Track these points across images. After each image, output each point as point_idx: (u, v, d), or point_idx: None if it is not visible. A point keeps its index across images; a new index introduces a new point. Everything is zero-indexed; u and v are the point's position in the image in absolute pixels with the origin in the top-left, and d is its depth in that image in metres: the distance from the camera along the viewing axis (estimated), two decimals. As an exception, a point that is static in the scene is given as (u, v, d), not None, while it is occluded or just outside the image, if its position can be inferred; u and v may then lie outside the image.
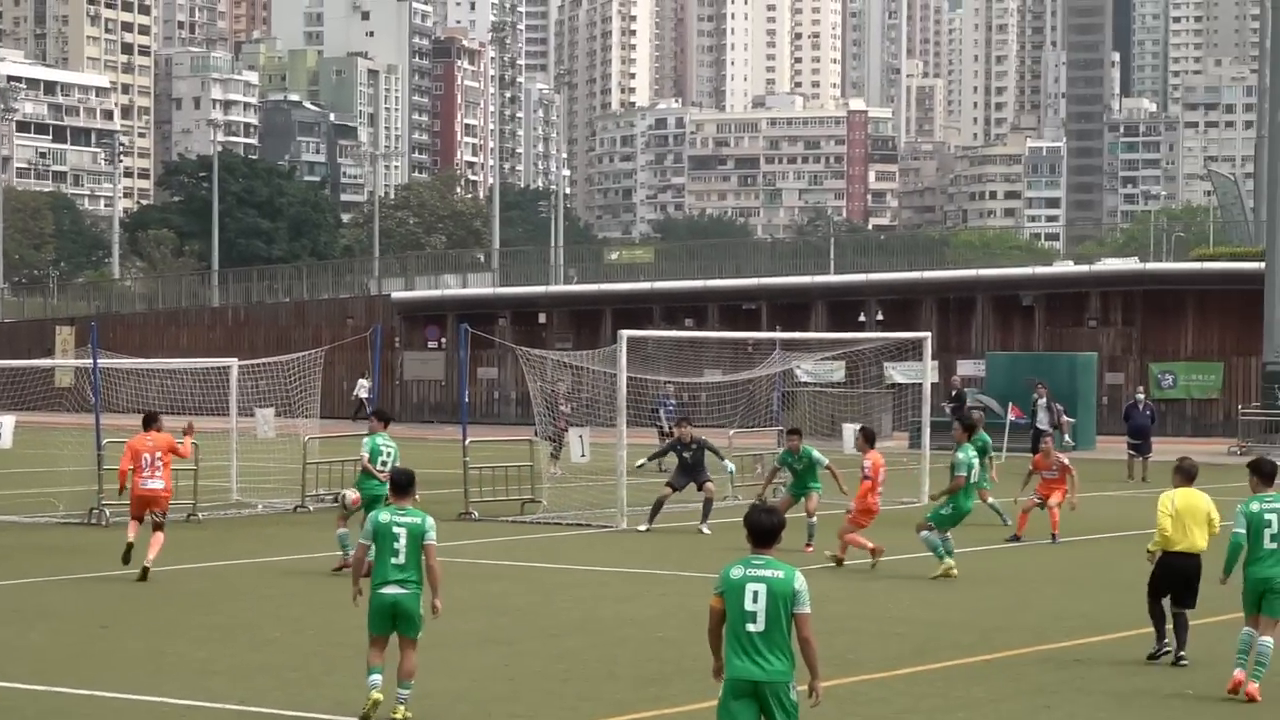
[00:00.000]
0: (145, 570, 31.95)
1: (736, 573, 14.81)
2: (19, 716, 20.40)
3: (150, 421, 34.78)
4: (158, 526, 32.85)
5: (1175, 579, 23.59)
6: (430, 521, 20.14)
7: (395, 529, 19.90)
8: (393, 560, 19.84)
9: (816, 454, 38.71)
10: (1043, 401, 62.07)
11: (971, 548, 36.08)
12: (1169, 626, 23.73)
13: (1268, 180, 77.59)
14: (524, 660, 24.08)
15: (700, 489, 41.56)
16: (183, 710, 20.64)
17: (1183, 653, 23.64)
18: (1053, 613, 28.85)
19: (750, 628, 14.60)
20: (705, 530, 40.76)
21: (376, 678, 19.73)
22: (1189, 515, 23.26)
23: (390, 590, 19.78)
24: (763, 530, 15.15)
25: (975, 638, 26.29)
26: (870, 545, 34.05)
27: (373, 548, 19.92)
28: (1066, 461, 40.40)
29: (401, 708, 19.63)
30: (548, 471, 50.84)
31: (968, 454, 34.38)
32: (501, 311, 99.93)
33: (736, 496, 46.96)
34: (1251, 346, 78.18)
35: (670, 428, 59.93)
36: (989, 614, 28.93)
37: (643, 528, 41.10)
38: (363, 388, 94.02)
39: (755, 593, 14.63)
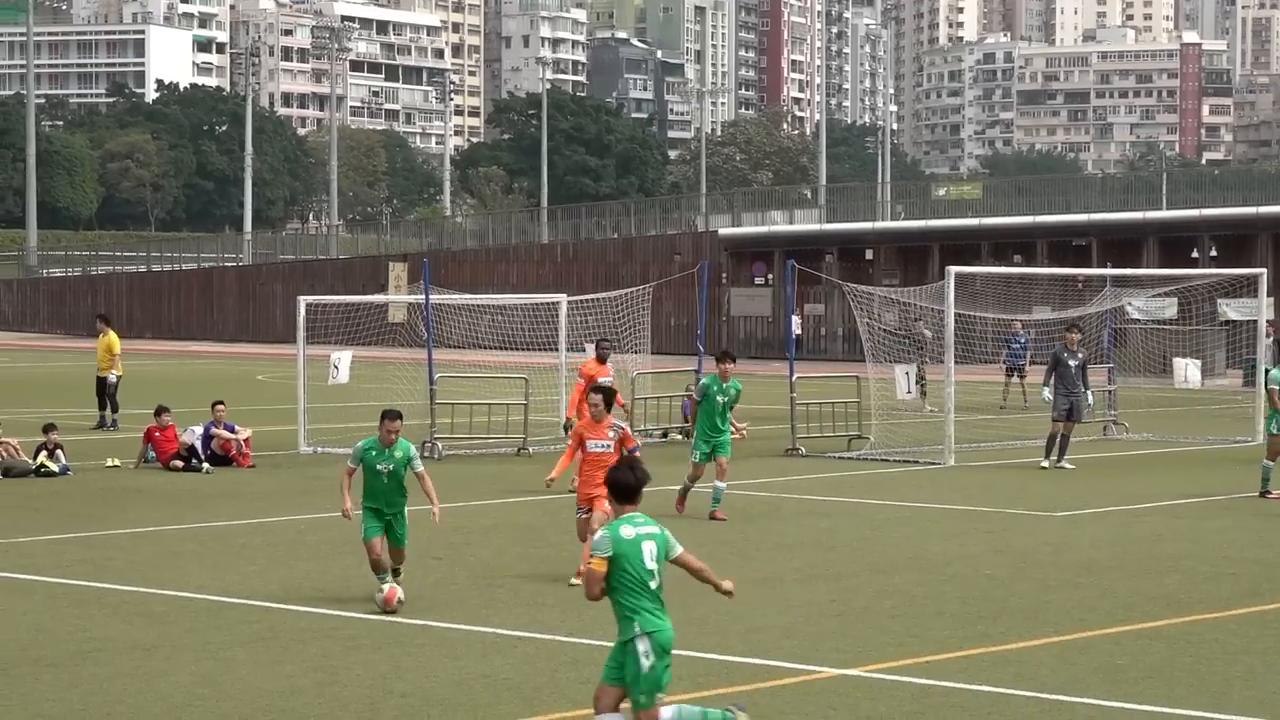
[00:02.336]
0: None
1: (627, 532, 14.56)
2: (358, 644, 20.71)
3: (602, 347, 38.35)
4: None
5: None
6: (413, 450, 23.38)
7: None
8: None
9: None
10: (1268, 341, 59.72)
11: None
12: None
13: None
14: (852, 596, 24.07)
15: (1066, 421, 41.38)
16: (514, 641, 20.87)
17: None
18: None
19: (653, 585, 14.46)
20: (1067, 465, 40.53)
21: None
22: None
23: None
24: (628, 487, 14.92)
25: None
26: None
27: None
28: None
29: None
30: (921, 408, 51.10)
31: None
32: (828, 248, 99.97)
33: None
34: None
35: (1019, 365, 60.16)
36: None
37: (1045, 463, 41.03)
38: (796, 325, 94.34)
39: (651, 551, 14.46)
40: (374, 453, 22.80)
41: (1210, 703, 17.80)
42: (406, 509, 23.24)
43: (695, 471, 32.30)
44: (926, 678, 18.85)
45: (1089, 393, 43.25)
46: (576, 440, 23.25)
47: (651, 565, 14.36)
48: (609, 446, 22.59)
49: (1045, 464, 40.90)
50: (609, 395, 23.62)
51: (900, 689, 18.39)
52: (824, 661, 19.65)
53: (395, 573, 23.10)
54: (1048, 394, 42.38)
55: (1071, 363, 41.76)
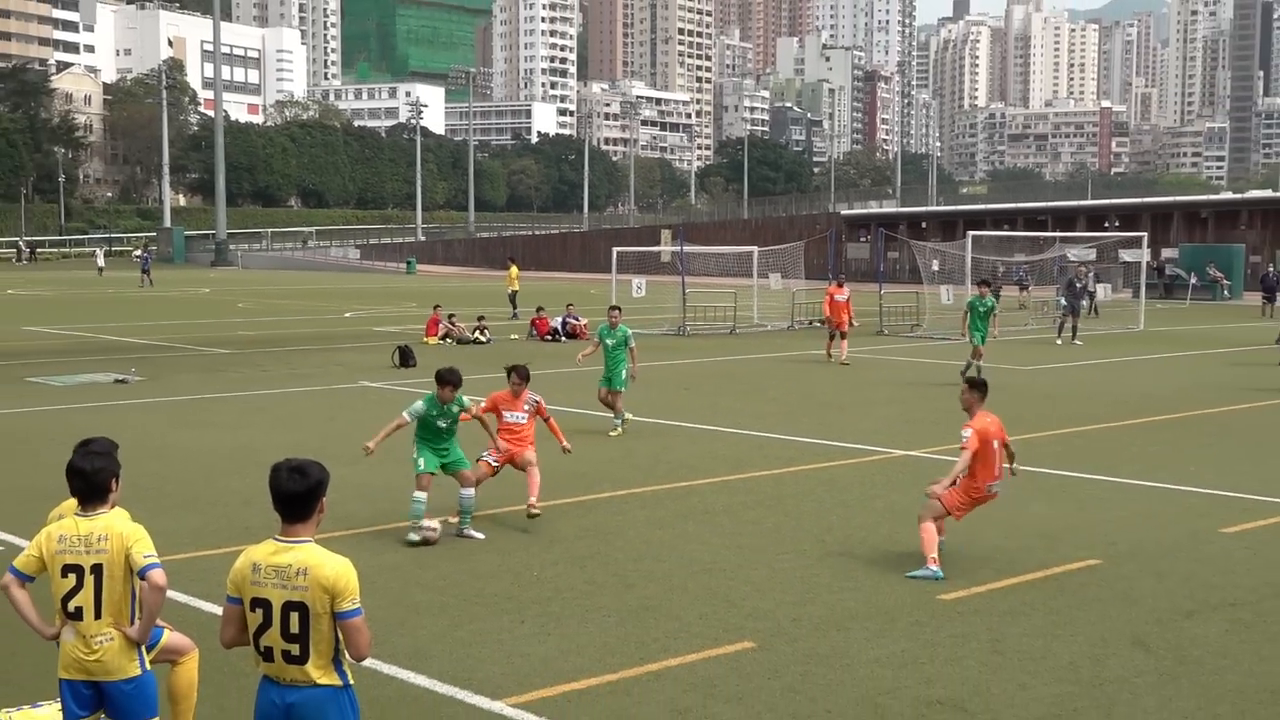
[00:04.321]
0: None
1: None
2: (640, 432, 20.82)
3: (840, 279, 35.31)
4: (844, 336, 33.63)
5: None
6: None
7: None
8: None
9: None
10: (1092, 275, 52.30)
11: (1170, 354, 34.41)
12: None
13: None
14: (912, 410, 23.64)
15: (1072, 316, 40.49)
16: (728, 434, 20.89)
17: None
18: (1215, 383, 27.55)
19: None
20: (1079, 343, 39.59)
21: None
22: None
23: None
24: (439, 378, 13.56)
25: (1167, 404, 25.22)
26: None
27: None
28: None
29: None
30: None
31: None
32: (901, 221, 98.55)
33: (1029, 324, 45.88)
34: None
35: (1025, 285, 60.06)
36: (1181, 389, 27.69)
37: (1058, 341, 39.78)
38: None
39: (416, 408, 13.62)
40: (605, 331, 21.75)
41: (1110, 470, 17.51)
42: (624, 370, 21.29)
43: (977, 351, 29.13)
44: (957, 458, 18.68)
45: (1092, 299, 43.35)
46: (491, 406, 14.91)
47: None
48: (523, 418, 14.82)
49: (1059, 341, 39.94)
50: (524, 374, 15.24)
51: (944, 463, 18.23)
52: (895, 446, 19.53)
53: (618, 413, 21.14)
54: (1062, 300, 41.75)
55: (1078, 285, 41.89)
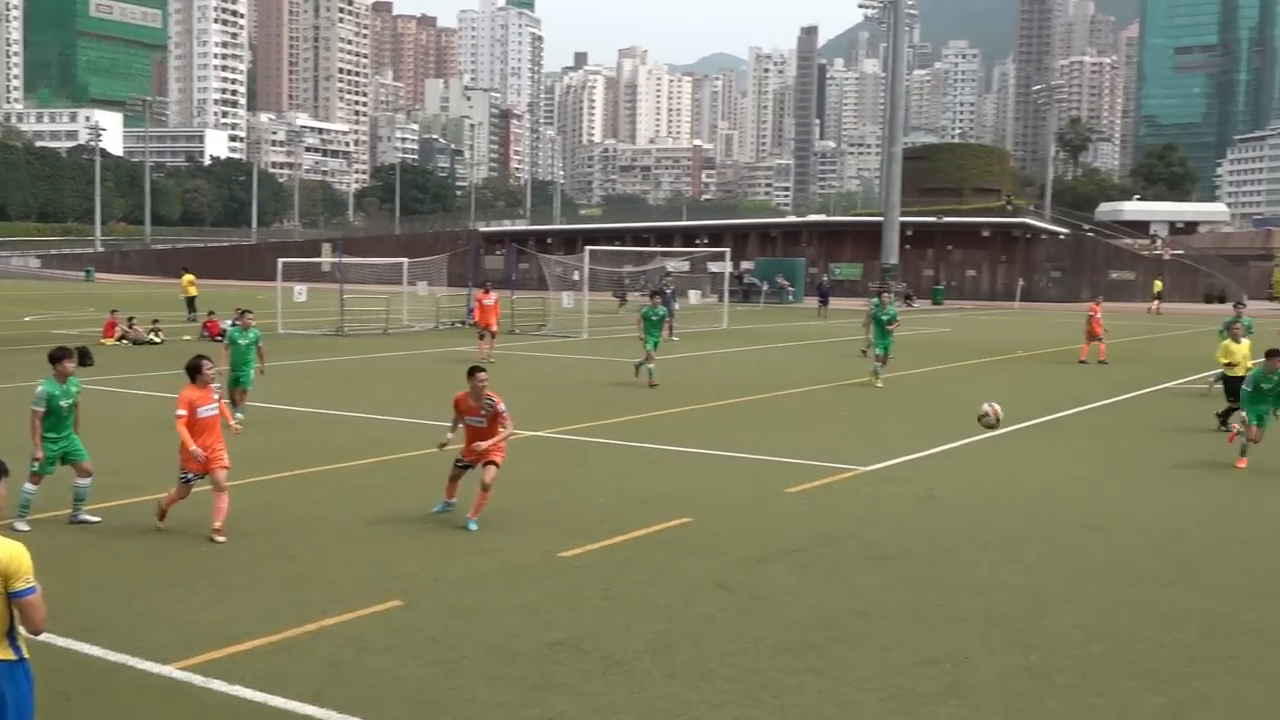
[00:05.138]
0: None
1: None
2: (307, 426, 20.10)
3: (487, 286, 34.67)
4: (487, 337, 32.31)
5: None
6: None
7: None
8: None
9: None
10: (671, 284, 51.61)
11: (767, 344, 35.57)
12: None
13: (886, 177, 77.45)
14: (562, 390, 23.81)
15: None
16: (392, 423, 20.32)
17: None
18: (782, 371, 28.75)
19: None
20: (675, 339, 40.06)
21: None
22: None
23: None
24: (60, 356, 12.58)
25: (744, 389, 26.16)
26: None
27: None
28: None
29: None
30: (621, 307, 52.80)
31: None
32: (530, 237, 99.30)
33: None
34: (874, 256, 78.66)
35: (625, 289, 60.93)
36: (755, 376, 28.80)
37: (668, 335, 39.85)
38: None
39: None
40: (237, 333, 20.44)
41: (698, 444, 17.87)
42: (253, 369, 20.32)
43: (649, 356, 26.53)
44: (627, 442, 18.71)
45: (676, 305, 44.48)
46: (187, 405, 11.98)
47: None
48: (214, 410, 12.16)
49: (669, 336, 40.43)
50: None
51: (569, 442, 18.28)
52: (524, 428, 19.39)
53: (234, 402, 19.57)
54: (663, 309, 42.63)
55: (667, 291, 43.11)
